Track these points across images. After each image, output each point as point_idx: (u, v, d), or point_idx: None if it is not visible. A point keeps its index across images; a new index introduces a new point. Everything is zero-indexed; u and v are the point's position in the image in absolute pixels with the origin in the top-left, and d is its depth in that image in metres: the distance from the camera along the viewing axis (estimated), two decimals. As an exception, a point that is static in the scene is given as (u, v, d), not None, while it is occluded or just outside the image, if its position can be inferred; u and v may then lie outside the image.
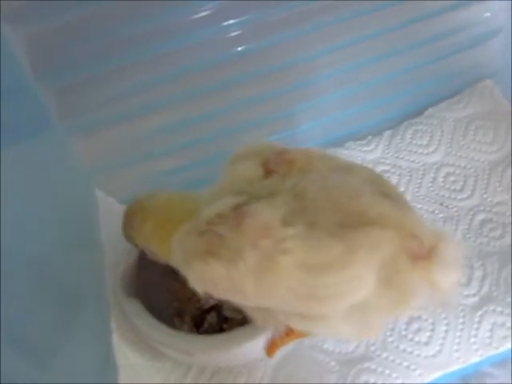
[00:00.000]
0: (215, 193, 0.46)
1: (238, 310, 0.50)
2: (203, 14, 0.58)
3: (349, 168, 0.46)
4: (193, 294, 0.54)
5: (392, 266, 0.40)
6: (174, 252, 0.45)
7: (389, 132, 0.71)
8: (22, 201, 0.46)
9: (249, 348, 0.50)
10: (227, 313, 0.56)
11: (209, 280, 0.43)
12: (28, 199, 0.47)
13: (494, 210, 0.63)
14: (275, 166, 0.46)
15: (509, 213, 0.62)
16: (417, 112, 0.71)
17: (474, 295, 0.56)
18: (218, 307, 0.56)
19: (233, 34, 0.60)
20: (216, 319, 0.56)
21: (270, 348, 0.51)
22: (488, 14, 0.67)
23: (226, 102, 0.63)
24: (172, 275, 0.51)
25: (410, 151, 0.69)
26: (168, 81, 0.61)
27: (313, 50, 0.63)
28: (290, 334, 0.49)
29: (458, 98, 0.71)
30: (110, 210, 0.62)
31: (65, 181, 0.58)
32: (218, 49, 0.60)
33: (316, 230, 0.40)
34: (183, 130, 0.63)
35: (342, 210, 0.41)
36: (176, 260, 0.45)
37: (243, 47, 0.61)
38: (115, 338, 0.54)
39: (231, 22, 0.60)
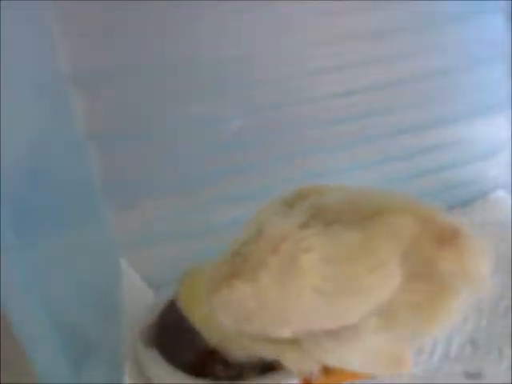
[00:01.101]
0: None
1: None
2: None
3: (358, 187, 0.49)
4: (212, 362, 0.53)
5: (418, 256, 0.40)
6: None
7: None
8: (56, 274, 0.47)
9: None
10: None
11: (235, 303, 0.43)
12: (61, 273, 0.49)
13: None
14: (293, 201, 0.48)
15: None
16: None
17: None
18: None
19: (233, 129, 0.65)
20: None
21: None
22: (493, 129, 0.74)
23: (248, 185, 0.66)
24: (193, 343, 0.51)
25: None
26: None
27: (318, 147, 0.68)
28: (325, 375, 0.47)
29: (470, 207, 0.75)
30: (133, 285, 0.63)
31: (95, 254, 0.59)
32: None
33: (335, 226, 0.42)
34: (209, 212, 0.66)
35: (359, 209, 0.43)
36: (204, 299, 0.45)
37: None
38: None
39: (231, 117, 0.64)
